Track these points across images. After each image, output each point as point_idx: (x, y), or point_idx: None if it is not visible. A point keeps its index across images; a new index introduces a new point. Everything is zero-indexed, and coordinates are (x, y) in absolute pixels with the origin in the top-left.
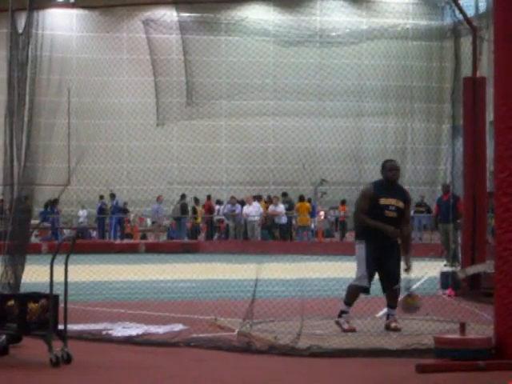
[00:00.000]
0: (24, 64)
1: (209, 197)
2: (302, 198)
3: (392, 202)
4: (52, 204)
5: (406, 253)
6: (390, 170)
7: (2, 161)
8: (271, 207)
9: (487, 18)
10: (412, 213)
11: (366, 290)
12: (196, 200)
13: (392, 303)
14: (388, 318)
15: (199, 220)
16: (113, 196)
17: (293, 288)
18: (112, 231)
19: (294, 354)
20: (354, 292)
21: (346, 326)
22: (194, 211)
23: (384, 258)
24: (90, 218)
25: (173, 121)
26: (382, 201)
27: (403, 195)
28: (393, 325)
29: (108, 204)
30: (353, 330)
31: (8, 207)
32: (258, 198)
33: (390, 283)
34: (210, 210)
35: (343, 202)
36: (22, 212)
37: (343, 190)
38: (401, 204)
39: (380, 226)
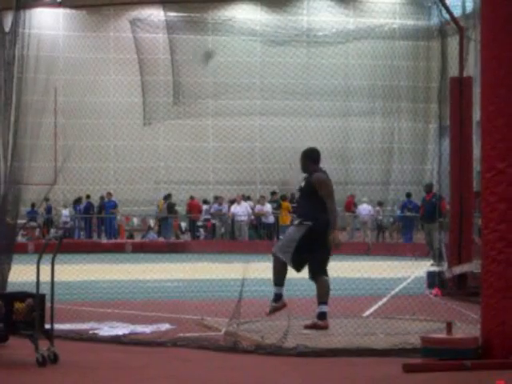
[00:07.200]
0: (11, 63)
1: (191, 197)
2: (283, 198)
3: None
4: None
5: None
6: None
7: None
8: (258, 207)
9: (474, 18)
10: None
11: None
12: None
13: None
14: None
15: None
16: (109, 195)
17: None
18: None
19: (280, 354)
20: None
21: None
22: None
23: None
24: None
25: (160, 120)
26: None
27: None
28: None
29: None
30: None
31: None
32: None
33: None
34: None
35: None
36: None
37: None
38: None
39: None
